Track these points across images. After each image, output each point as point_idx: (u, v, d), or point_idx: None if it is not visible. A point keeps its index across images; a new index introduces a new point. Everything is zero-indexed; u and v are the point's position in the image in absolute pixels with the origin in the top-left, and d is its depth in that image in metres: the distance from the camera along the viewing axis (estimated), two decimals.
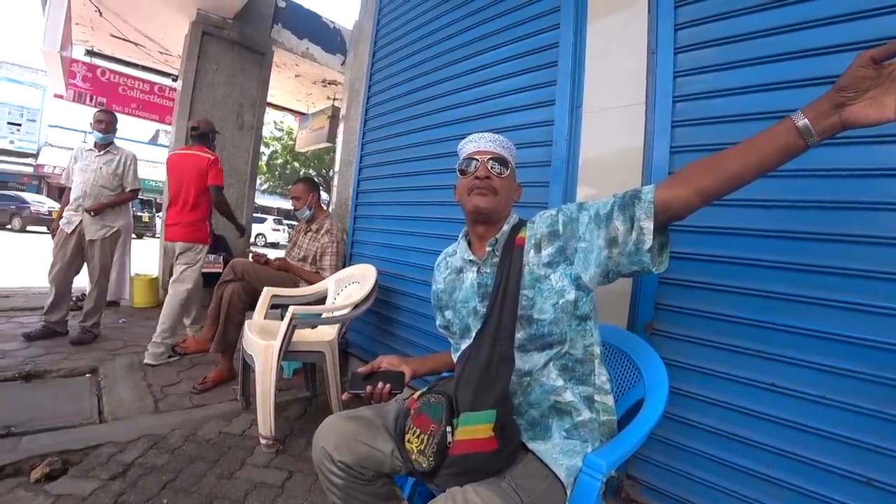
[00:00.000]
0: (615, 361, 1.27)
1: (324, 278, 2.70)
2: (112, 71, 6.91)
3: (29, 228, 14.09)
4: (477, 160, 1.13)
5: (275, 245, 18.88)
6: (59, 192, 4.30)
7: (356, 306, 2.22)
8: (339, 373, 2.22)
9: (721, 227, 1.34)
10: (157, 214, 16.22)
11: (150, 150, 21.07)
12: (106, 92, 6.84)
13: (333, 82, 6.82)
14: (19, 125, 20.24)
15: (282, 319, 2.02)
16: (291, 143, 13.75)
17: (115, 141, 3.40)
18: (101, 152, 3.29)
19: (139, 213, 15.76)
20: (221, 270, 3.09)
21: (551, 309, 1.00)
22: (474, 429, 0.91)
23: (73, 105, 7.10)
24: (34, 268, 6.04)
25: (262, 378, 1.91)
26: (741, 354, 1.28)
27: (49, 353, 2.82)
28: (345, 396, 1.11)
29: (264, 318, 2.34)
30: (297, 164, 18.77)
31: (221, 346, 2.51)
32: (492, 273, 1.10)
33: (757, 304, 1.26)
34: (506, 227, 1.13)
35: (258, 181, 7.40)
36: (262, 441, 1.94)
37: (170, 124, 5.89)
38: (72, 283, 3.30)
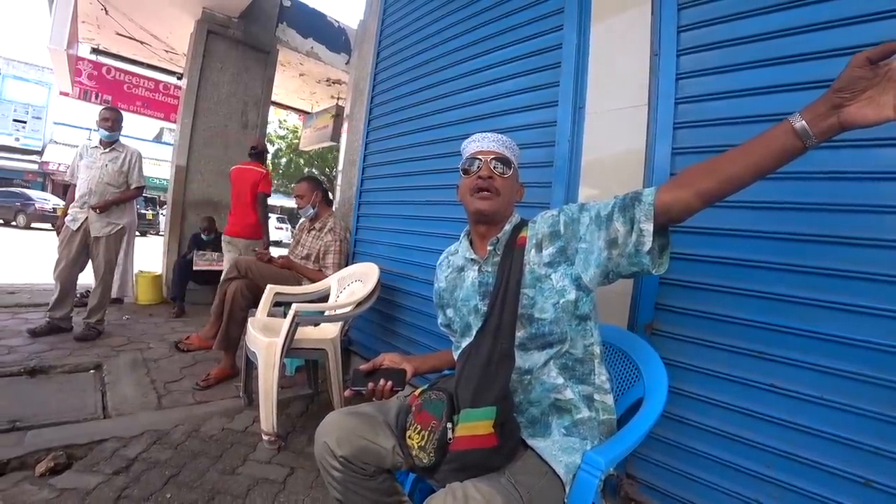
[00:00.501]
0: (615, 361, 1.28)
1: (327, 276, 2.72)
2: (117, 69, 6.95)
3: (34, 225, 14.15)
4: (480, 160, 1.13)
5: (278, 243, 18.93)
6: (64, 190, 4.34)
7: (359, 304, 2.24)
8: (341, 370, 2.24)
9: (722, 229, 1.34)
10: (160, 212, 16.29)
11: (154, 147, 21.19)
12: (111, 90, 6.89)
13: (338, 81, 6.84)
14: (25, 122, 20.33)
15: (285, 317, 2.03)
16: (296, 141, 13.77)
17: (121, 138, 3.42)
18: (107, 150, 3.31)
19: (143, 211, 15.85)
20: (225, 268, 3.12)
21: (552, 308, 1.01)
22: (474, 425, 0.92)
23: (78, 103, 7.15)
24: (39, 264, 6.08)
25: (264, 375, 1.93)
26: (741, 355, 1.29)
27: (54, 349, 2.85)
28: (347, 393, 1.12)
29: (267, 316, 2.35)
30: (301, 163, 18.81)
31: (224, 342, 2.53)
32: (493, 272, 1.10)
33: (757, 306, 1.27)
34: (507, 227, 1.14)
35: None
36: (265, 437, 1.95)
37: (174, 122, 5.92)
38: (76, 279, 3.33)
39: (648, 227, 0.87)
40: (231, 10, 4.85)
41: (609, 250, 0.94)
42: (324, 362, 2.20)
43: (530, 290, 1.03)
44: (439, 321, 1.31)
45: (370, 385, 1.09)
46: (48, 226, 13.47)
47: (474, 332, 1.09)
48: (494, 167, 1.12)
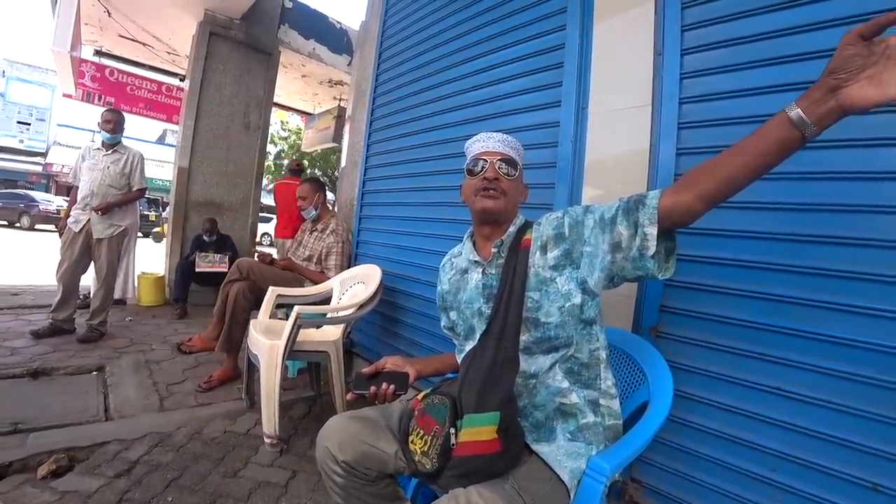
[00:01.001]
0: (620, 364, 1.26)
1: (329, 278, 2.71)
2: (120, 71, 6.96)
3: (37, 227, 14.22)
4: (486, 161, 1.12)
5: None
6: (68, 191, 4.36)
7: (361, 306, 2.23)
8: (343, 373, 2.23)
9: (727, 230, 1.33)
10: (163, 214, 16.33)
11: (157, 149, 21.24)
12: (114, 91, 6.90)
13: (340, 83, 6.84)
14: (28, 124, 20.45)
15: (287, 319, 2.03)
16: (299, 142, 13.79)
17: (123, 140, 3.43)
18: (109, 151, 3.31)
19: (146, 212, 15.90)
20: (227, 270, 3.13)
21: (557, 312, 0.99)
22: (478, 430, 0.91)
23: (81, 104, 7.18)
24: (42, 266, 6.09)
25: (266, 377, 1.92)
26: (746, 358, 1.28)
27: (56, 351, 2.85)
28: (349, 397, 1.11)
29: (269, 318, 2.35)
30: (304, 164, 18.83)
31: (226, 345, 2.52)
32: (497, 274, 1.09)
33: (762, 308, 1.25)
34: (511, 229, 1.12)
35: (264, 181, 7.44)
36: (267, 440, 1.94)
37: (177, 124, 5.93)
38: (79, 281, 3.33)
39: (652, 231, 0.86)
40: (233, 12, 4.86)
41: (613, 254, 0.92)
42: (326, 365, 2.19)
43: (535, 293, 1.01)
44: (442, 324, 1.30)
45: (372, 388, 1.08)
46: (52, 227, 13.51)
47: (478, 336, 1.08)
48: (500, 168, 1.11)
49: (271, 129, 9.17)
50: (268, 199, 11.23)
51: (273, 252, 4.01)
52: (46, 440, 1.80)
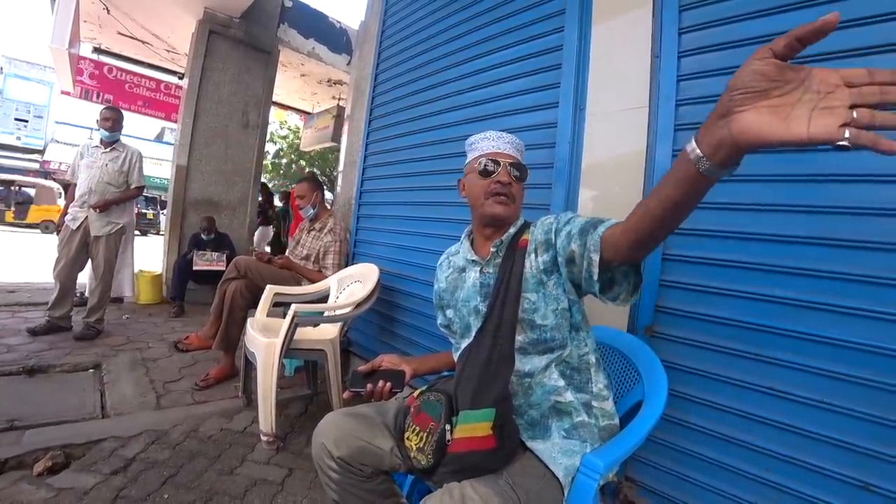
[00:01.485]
0: (615, 363, 1.27)
1: (326, 277, 2.72)
2: (119, 68, 6.96)
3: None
4: (499, 163, 1.10)
5: None
6: (65, 189, 4.35)
7: (358, 305, 2.23)
8: (340, 371, 2.23)
9: (722, 231, 1.34)
10: (161, 212, 16.31)
11: (156, 147, 21.20)
12: (113, 89, 6.90)
13: (339, 82, 6.84)
14: (26, 121, 20.37)
15: (284, 317, 2.03)
16: (298, 141, 13.77)
17: (122, 138, 3.42)
18: (107, 149, 3.31)
19: (144, 210, 15.87)
20: (224, 268, 3.13)
21: (552, 315, 1.01)
22: (473, 427, 0.91)
23: (79, 102, 7.16)
24: (39, 263, 6.07)
25: (263, 375, 1.93)
26: (741, 358, 1.29)
27: (53, 349, 2.84)
28: (346, 395, 1.12)
29: (267, 316, 2.35)
30: (303, 163, 18.80)
31: (224, 343, 2.53)
32: (494, 273, 1.10)
33: (757, 308, 1.26)
34: (511, 230, 1.13)
35: (263, 179, 7.43)
36: (263, 438, 1.95)
37: (175, 122, 5.92)
38: (76, 278, 3.33)
39: (595, 258, 0.85)
40: (233, 11, 4.85)
41: (569, 266, 0.95)
42: (323, 363, 2.20)
43: (533, 294, 1.02)
44: (439, 322, 1.31)
45: (369, 386, 1.09)
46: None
47: (474, 333, 1.08)
48: (512, 173, 1.11)
49: (270, 128, 9.16)
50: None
51: None
52: (43, 437, 1.80)
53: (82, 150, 3.36)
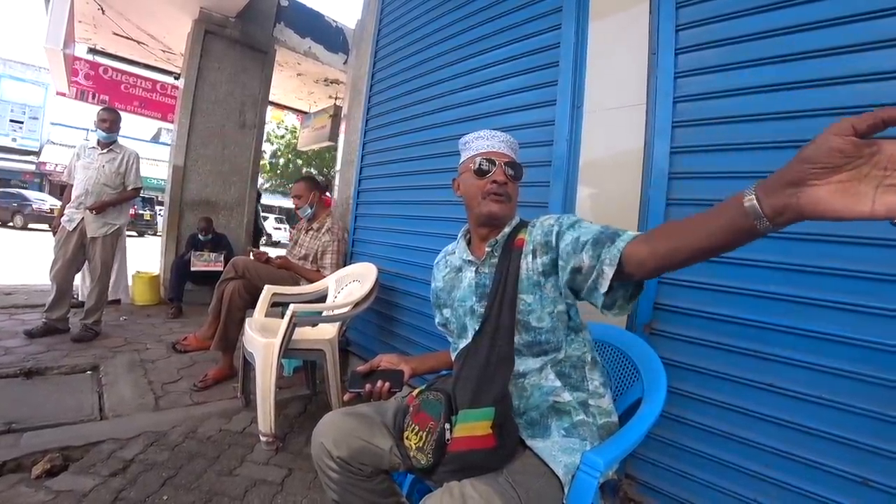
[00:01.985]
0: (614, 361, 1.27)
1: (324, 277, 2.71)
2: (114, 69, 6.91)
3: (31, 226, 14.09)
4: (494, 163, 1.10)
5: (276, 244, 18.89)
6: (61, 190, 4.35)
7: (356, 305, 2.23)
8: (339, 371, 2.23)
9: None
10: (158, 213, 16.25)
11: (152, 147, 21.10)
12: (108, 90, 6.85)
13: (336, 81, 6.82)
14: (22, 123, 20.25)
15: (282, 317, 2.03)
16: (295, 141, 13.76)
17: (118, 139, 3.40)
18: (104, 150, 3.29)
19: (141, 211, 15.81)
20: (222, 269, 3.12)
21: (548, 318, 1.01)
22: (472, 426, 0.91)
23: (75, 103, 7.12)
24: (36, 265, 6.05)
25: (262, 376, 1.92)
26: (739, 354, 1.29)
27: (50, 350, 2.83)
28: (346, 397, 1.11)
29: (265, 316, 2.34)
30: (300, 163, 18.78)
31: (222, 343, 2.52)
32: (490, 273, 1.10)
33: (755, 305, 1.27)
34: (507, 230, 1.12)
35: (260, 180, 7.41)
36: (262, 438, 1.94)
37: (172, 122, 5.90)
38: (73, 280, 3.31)
39: (609, 272, 0.83)
40: (228, 10, 4.83)
41: (573, 275, 0.93)
42: (322, 363, 2.19)
43: (529, 295, 1.02)
44: (436, 321, 1.31)
45: (367, 386, 1.08)
46: (45, 226, 13.40)
47: (471, 334, 1.08)
48: (507, 173, 1.11)
49: (267, 128, 9.14)
50: (263, 198, 11.17)
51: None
52: (41, 440, 1.79)
53: (79, 152, 3.34)
